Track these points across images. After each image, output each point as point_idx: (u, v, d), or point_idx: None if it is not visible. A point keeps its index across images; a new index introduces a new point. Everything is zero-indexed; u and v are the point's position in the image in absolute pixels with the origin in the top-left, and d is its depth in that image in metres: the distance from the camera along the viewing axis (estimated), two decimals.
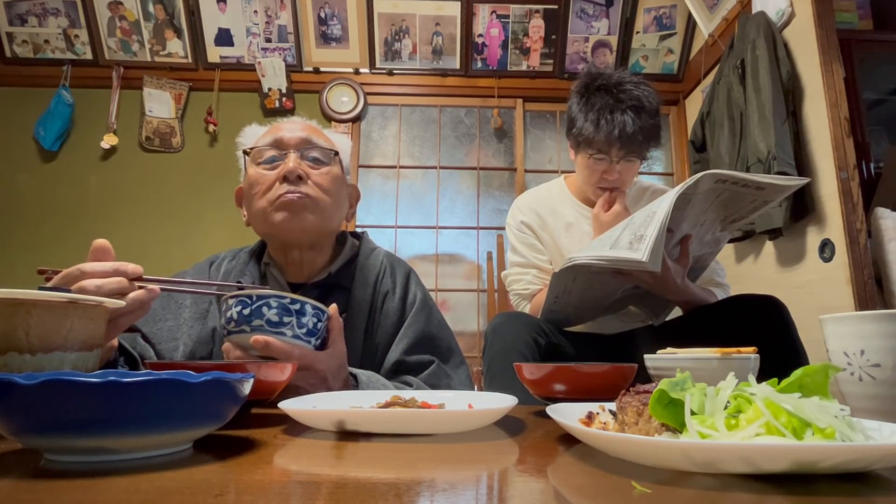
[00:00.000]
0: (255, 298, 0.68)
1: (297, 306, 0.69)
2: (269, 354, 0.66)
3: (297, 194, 0.88)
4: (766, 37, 1.96)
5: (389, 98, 2.92)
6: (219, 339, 0.87)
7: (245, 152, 0.96)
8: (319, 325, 0.72)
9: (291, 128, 0.96)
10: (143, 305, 0.65)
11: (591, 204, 1.39)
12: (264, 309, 0.67)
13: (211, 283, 0.70)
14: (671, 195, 0.90)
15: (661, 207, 0.89)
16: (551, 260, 1.38)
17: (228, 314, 0.68)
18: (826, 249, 1.81)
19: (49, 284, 0.62)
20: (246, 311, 0.67)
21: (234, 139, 1.04)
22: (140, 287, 0.65)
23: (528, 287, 1.38)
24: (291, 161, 0.90)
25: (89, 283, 0.60)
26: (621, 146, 1.23)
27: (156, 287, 0.66)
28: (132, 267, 0.65)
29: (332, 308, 0.75)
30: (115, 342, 0.72)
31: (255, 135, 0.99)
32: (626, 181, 1.31)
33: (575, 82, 1.35)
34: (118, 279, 0.63)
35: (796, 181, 0.96)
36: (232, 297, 0.69)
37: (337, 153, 0.97)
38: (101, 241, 0.66)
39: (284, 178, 0.89)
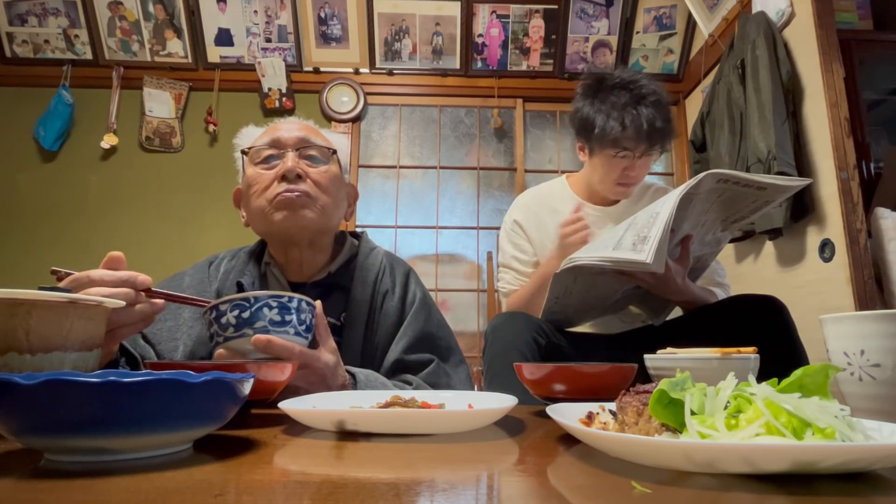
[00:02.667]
0: (253, 301, 0.67)
1: (295, 303, 0.69)
2: (272, 353, 0.65)
3: (296, 193, 0.89)
4: (766, 37, 1.96)
5: (389, 98, 2.92)
6: None
7: (243, 152, 0.96)
8: (313, 319, 0.72)
9: (289, 128, 0.96)
10: (145, 318, 0.65)
11: (595, 200, 1.40)
12: (265, 310, 0.67)
13: (214, 301, 0.69)
14: (674, 196, 0.89)
15: (665, 208, 0.89)
16: (540, 260, 1.39)
17: (223, 320, 0.67)
18: (826, 249, 1.81)
19: (60, 285, 0.61)
20: (246, 315, 0.66)
21: (234, 139, 1.04)
22: (148, 297, 0.65)
23: (504, 287, 1.42)
24: (290, 160, 0.90)
25: (96, 291, 0.60)
26: (648, 140, 1.24)
27: (161, 301, 0.66)
28: (142, 278, 0.64)
29: (319, 304, 0.75)
30: (115, 346, 0.72)
31: (252, 135, 0.99)
32: (643, 175, 1.32)
33: (579, 84, 1.35)
34: (126, 290, 0.62)
35: (798, 182, 0.96)
36: (225, 302, 0.67)
37: (335, 152, 0.97)
38: (115, 253, 0.65)
39: (283, 177, 0.89)
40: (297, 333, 0.69)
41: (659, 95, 1.26)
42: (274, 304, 0.67)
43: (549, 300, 1.14)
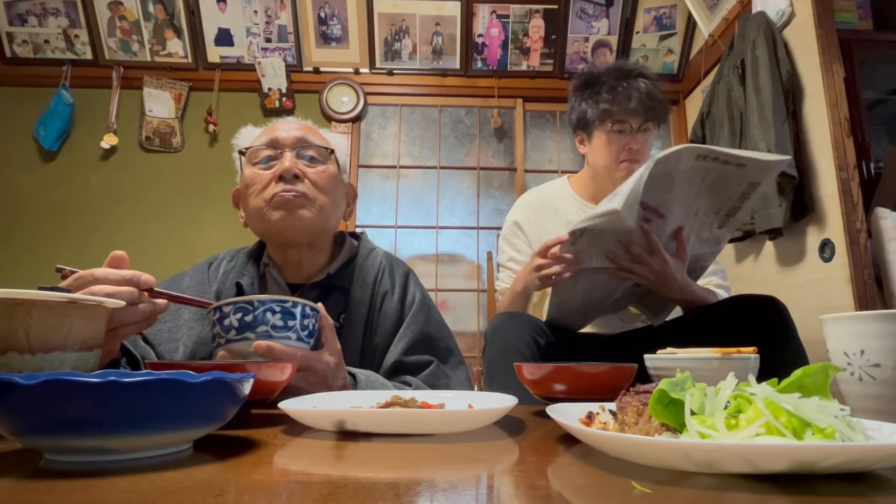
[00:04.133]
0: (256, 304, 0.67)
1: (299, 309, 0.69)
2: (273, 358, 0.65)
3: (294, 193, 0.89)
4: (766, 37, 1.96)
5: (389, 98, 2.92)
6: None
7: (241, 152, 0.96)
8: (316, 324, 0.72)
9: (287, 127, 0.96)
10: (147, 318, 0.65)
11: (597, 200, 1.40)
12: (268, 314, 0.67)
13: (217, 302, 0.69)
14: (652, 159, 0.92)
15: (641, 167, 0.92)
16: None
17: (226, 322, 0.67)
18: (826, 249, 1.81)
19: (62, 284, 0.62)
20: (248, 318, 0.66)
21: (232, 140, 1.04)
22: (150, 298, 0.65)
23: (500, 285, 1.43)
24: (287, 160, 0.90)
25: (100, 289, 0.60)
26: (641, 108, 1.26)
27: (163, 301, 0.66)
28: (145, 277, 0.64)
29: (321, 306, 0.75)
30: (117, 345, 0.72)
31: (250, 136, 0.99)
32: (645, 153, 1.32)
33: (570, 86, 1.40)
34: (130, 289, 0.62)
35: (775, 157, 0.97)
36: (227, 304, 0.67)
37: (332, 151, 0.97)
38: (118, 252, 0.65)
39: (280, 178, 0.89)
40: (300, 339, 0.69)
41: (643, 69, 1.31)
42: (277, 308, 0.67)
43: (552, 306, 1.15)
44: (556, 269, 1.05)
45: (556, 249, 1.06)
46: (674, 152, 0.92)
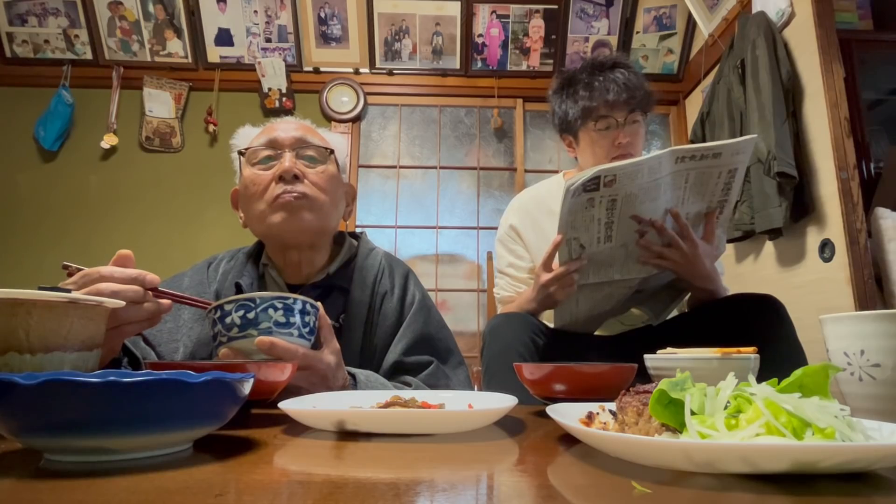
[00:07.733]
0: (258, 301, 0.67)
1: (300, 305, 0.69)
2: (275, 355, 0.65)
3: (294, 194, 0.88)
4: (766, 37, 1.96)
5: (389, 98, 2.92)
6: None
7: (240, 153, 0.96)
8: (316, 321, 0.72)
9: (286, 127, 0.96)
10: (151, 317, 0.65)
11: None
12: (270, 311, 0.67)
13: (219, 301, 0.69)
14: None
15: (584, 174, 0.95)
16: (534, 260, 1.38)
17: (228, 320, 0.67)
18: (826, 249, 1.81)
19: (69, 281, 0.62)
20: (251, 315, 0.66)
21: (231, 140, 1.03)
22: (155, 297, 0.65)
23: (499, 293, 1.40)
24: (287, 160, 0.90)
25: (106, 286, 0.60)
26: (621, 99, 1.21)
27: (167, 301, 0.66)
28: (150, 277, 0.65)
29: (320, 305, 0.75)
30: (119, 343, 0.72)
31: (249, 136, 0.99)
32: (637, 145, 1.27)
33: (549, 89, 1.36)
34: (135, 288, 0.62)
35: (743, 138, 0.98)
36: (229, 302, 0.67)
37: (332, 151, 0.97)
38: (125, 251, 0.66)
39: (280, 178, 0.89)
40: (301, 335, 0.69)
41: (618, 59, 1.26)
42: (279, 305, 0.67)
43: (556, 323, 1.15)
44: (567, 281, 1.04)
45: (562, 269, 1.04)
46: (656, 163, 0.93)
